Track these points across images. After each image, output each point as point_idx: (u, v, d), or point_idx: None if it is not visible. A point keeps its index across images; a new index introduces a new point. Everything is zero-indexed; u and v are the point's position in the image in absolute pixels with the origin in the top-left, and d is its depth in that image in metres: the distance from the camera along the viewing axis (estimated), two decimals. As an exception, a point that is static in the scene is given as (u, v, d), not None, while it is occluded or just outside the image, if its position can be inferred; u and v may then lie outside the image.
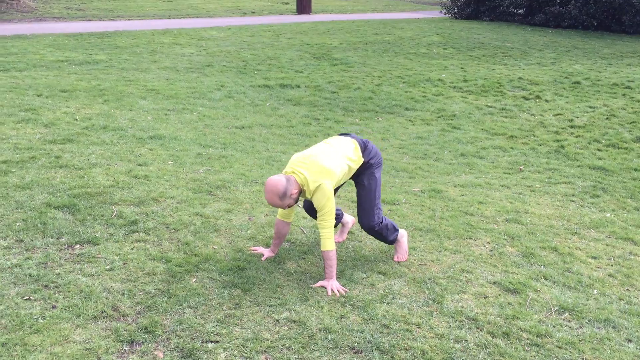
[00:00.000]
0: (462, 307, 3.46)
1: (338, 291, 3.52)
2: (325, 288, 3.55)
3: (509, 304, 3.54)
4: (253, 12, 24.73)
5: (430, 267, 3.95)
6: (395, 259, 4.02)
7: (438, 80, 11.47)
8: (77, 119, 7.28)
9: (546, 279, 3.91)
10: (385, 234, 3.90)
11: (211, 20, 21.32)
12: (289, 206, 3.58)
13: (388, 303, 3.44)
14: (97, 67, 11.30)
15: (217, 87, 10.02)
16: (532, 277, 3.92)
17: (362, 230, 4.37)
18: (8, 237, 3.92)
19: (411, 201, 5.25)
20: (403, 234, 4.08)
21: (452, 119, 8.79)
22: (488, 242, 4.46)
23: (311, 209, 3.96)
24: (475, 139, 7.80)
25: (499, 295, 3.65)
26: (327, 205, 3.52)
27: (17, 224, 4.11)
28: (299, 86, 10.50)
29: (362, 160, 3.79)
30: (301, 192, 3.57)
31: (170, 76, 10.83)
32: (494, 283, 3.80)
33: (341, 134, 3.95)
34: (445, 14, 25.41)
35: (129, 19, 20.47)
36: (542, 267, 4.09)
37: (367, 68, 12.58)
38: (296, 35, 17.08)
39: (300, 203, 4.15)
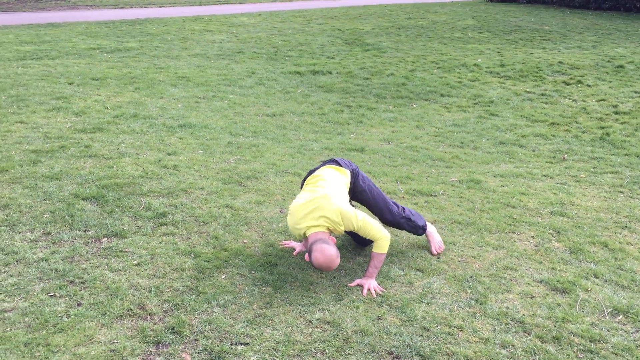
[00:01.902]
0: (507, 308, 3.24)
1: (375, 291, 3.33)
2: (362, 287, 3.37)
3: (557, 304, 3.31)
4: (284, -2, 24.50)
5: (472, 264, 3.73)
6: (433, 251, 3.82)
7: (474, 66, 11.11)
8: (107, 107, 7.21)
9: (597, 278, 3.65)
10: (414, 219, 3.77)
11: (242, 6, 21.18)
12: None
13: (427, 303, 3.24)
14: (128, 55, 11.26)
15: (248, 74, 9.87)
16: (582, 275, 3.67)
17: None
18: (35, 229, 3.83)
19: (449, 192, 5.02)
20: (430, 225, 3.93)
21: (489, 106, 8.47)
22: (532, 237, 4.21)
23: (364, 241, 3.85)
24: (514, 126, 7.48)
25: (547, 295, 3.42)
26: (360, 220, 3.33)
27: (45, 215, 4.03)
28: (330, 72, 10.27)
29: (347, 171, 3.66)
30: (334, 231, 3.37)
31: (200, 63, 10.71)
32: (541, 282, 3.57)
33: (311, 171, 3.73)
34: (480, -4, 24.79)
35: (160, 6, 20.46)
36: (592, 264, 3.83)
37: (400, 53, 12.27)
38: (327, 21, 16.82)
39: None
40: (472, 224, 4.34)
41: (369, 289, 3.33)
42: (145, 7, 20.23)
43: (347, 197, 3.55)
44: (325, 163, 3.73)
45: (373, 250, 3.42)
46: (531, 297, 3.38)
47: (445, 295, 3.33)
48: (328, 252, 3.16)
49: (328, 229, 3.33)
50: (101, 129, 6.25)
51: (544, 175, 5.66)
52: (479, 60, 11.56)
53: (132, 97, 7.86)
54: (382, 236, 3.38)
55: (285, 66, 10.70)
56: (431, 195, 4.91)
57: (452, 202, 4.80)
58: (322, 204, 3.30)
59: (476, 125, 7.45)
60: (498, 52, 12.49)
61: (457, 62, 11.43)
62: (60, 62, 10.22)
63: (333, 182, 3.48)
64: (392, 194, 4.89)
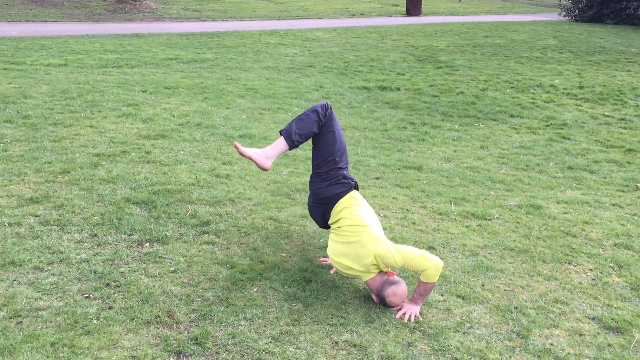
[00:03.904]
0: (551, 344, 3.01)
1: (410, 317, 3.17)
2: (400, 309, 3.22)
3: (608, 345, 3.05)
4: (362, 14, 24.57)
5: (519, 294, 3.51)
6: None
7: (550, 86, 10.67)
8: (174, 116, 7.39)
9: (658, 319, 3.35)
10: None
11: (319, 21, 21.38)
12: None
13: (464, 333, 3.06)
14: (203, 66, 11.56)
15: (315, 88, 9.89)
16: (641, 315, 3.38)
17: (444, 249, 4.01)
18: (83, 230, 3.93)
19: (505, 216, 4.78)
20: None
21: (562, 128, 8.08)
22: (590, 270, 3.93)
23: None
24: (586, 150, 7.09)
25: (598, 333, 3.16)
26: (399, 257, 3.20)
27: (95, 217, 4.13)
28: (398, 89, 10.14)
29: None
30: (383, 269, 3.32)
31: (271, 76, 10.84)
32: (593, 319, 3.31)
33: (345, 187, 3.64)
34: (564, 16, 23.98)
35: (240, 20, 20.97)
36: (654, 303, 3.52)
37: (473, 72, 11.97)
38: (402, 37, 16.69)
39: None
40: (525, 252, 4.10)
41: (404, 314, 3.18)
42: (226, 20, 20.79)
43: (379, 224, 3.45)
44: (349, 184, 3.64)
45: (420, 277, 3.23)
46: (580, 335, 3.13)
47: (484, 326, 3.14)
48: (400, 292, 3.22)
49: (380, 268, 3.27)
50: (164, 136, 6.40)
51: (613, 204, 5.30)
52: (557, 81, 11.09)
53: (200, 107, 8.02)
54: (430, 265, 3.17)
55: (354, 81, 10.66)
56: (485, 219, 4.69)
57: (507, 227, 4.56)
58: (359, 254, 3.25)
59: (545, 149, 7.11)
60: (578, 74, 11.96)
61: (533, 82, 11.02)
62: (138, 71, 10.61)
63: (357, 217, 3.38)
64: (444, 215, 4.72)
